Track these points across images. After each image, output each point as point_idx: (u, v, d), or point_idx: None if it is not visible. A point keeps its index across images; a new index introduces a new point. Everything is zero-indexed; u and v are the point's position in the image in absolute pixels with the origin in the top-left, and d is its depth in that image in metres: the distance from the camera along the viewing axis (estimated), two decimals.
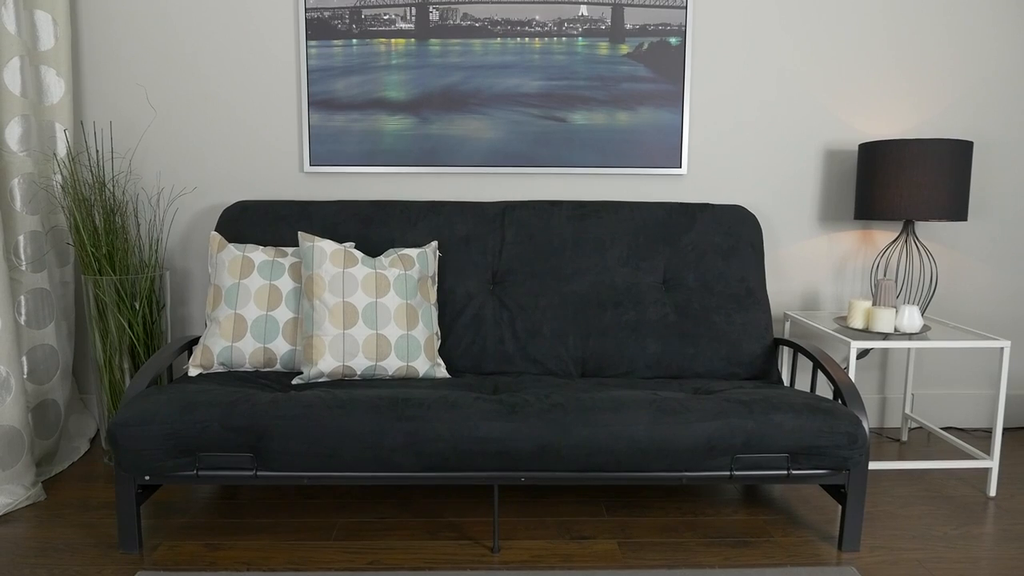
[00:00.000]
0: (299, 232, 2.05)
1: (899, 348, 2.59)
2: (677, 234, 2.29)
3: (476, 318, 2.18)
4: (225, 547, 1.75)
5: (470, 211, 2.30)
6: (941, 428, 2.69)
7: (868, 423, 1.78)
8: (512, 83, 2.46)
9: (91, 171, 2.28)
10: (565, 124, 2.48)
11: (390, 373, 1.96)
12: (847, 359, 2.07)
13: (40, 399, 2.20)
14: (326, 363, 1.90)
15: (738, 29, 2.47)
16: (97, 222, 2.19)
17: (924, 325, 2.13)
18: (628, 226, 2.29)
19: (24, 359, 2.16)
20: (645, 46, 2.45)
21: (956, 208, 2.20)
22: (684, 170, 2.50)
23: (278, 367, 2.01)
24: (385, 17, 2.42)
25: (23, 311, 2.16)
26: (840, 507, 1.84)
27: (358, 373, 1.94)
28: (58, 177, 2.29)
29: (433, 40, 2.44)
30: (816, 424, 1.64)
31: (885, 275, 2.47)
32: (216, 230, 2.26)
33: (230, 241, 2.24)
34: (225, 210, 2.29)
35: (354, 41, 2.43)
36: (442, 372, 2.04)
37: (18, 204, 2.14)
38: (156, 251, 2.29)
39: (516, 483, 1.68)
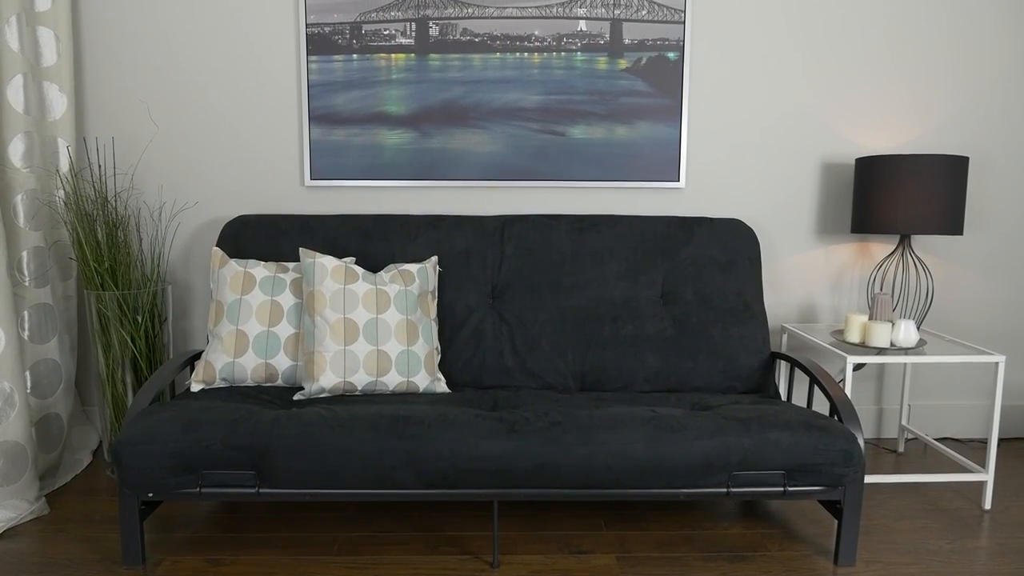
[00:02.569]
0: (300, 248, 2.07)
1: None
2: (675, 248, 2.31)
3: (476, 332, 2.19)
4: (227, 562, 1.76)
5: (469, 225, 2.32)
6: (938, 439, 2.70)
7: (864, 438, 1.80)
8: (511, 97, 2.48)
9: (93, 186, 2.30)
10: (564, 138, 2.50)
11: (391, 388, 1.98)
12: (844, 372, 2.08)
13: (43, 413, 2.22)
14: (327, 379, 1.92)
15: (736, 44, 2.49)
16: (100, 237, 2.21)
17: (920, 339, 2.15)
18: (626, 240, 2.31)
19: (27, 374, 2.17)
20: (643, 61, 2.47)
21: (952, 222, 2.22)
22: (682, 184, 2.52)
23: (279, 382, 2.03)
24: (385, 32, 2.44)
25: (26, 326, 2.18)
26: (836, 521, 1.86)
27: (359, 389, 1.96)
28: (61, 193, 2.31)
29: (433, 55, 2.46)
30: (812, 442, 1.66)
31: (882, 288, 2.49)
32: (217, 244, 2.28)
33: (231, 255, 2.26)
34: (226, 224, 2.31)
35: (354, 56, 2.45)
36: (442, 387, 2.05)
37: (21, 220, 2.16)
38: (158, 265, 2.31)
39: (515, 499, 1.70)
